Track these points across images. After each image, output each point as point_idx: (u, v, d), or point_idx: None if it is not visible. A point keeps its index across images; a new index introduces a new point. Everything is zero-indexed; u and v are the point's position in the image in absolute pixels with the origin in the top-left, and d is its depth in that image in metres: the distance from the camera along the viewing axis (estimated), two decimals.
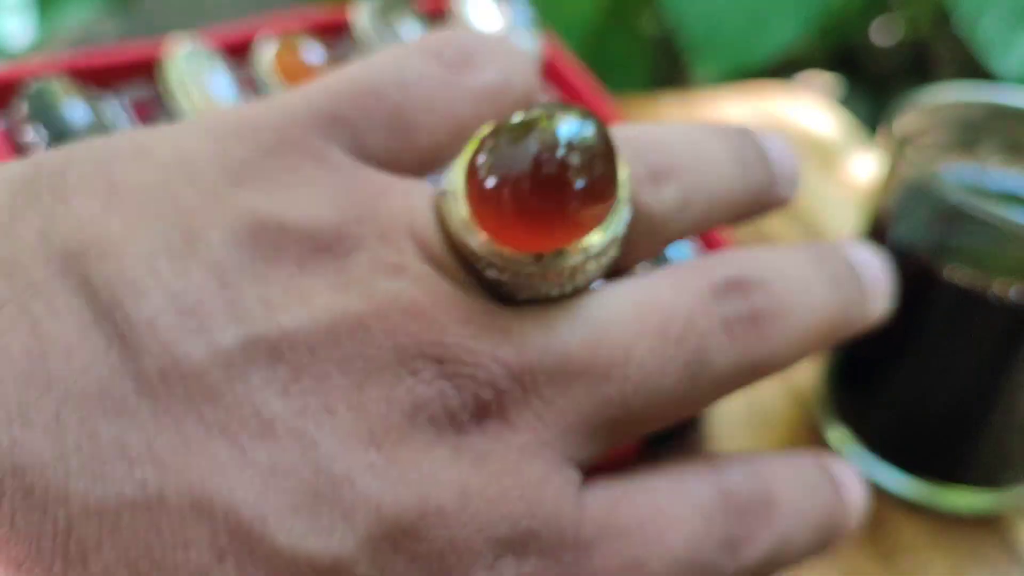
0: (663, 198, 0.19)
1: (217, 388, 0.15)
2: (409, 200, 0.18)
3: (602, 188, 0.17)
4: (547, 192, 0.17)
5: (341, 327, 0.16)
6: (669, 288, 0.19)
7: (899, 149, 0.31)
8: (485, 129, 0.18)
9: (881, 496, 0.33)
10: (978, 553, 0.32)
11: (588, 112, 0.17)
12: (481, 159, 0.17)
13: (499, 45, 0.20)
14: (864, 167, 0.50)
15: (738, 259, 0.20)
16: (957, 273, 0.29)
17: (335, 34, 0.35)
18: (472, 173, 0.17)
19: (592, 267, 0.18)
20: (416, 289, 0.17)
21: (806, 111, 0.55)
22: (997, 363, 0.30)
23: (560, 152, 0.17)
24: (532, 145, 0.17)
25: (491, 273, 0.18)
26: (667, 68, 0.79)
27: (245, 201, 0.17)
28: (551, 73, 0.38)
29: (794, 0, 0.62)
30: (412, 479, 0.16)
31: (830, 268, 0.21)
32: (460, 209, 0.17)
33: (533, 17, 0.36)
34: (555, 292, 0.18)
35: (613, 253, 0.19)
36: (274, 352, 0.15)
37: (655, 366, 0.18)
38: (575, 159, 0.17)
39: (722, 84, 0.63)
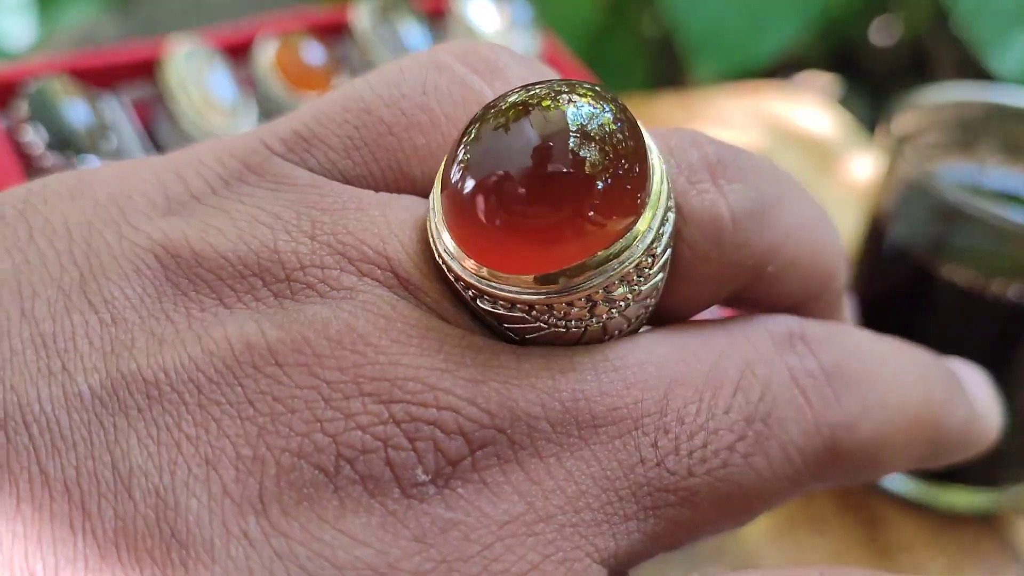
0: (728, 195, 0.15)
1: (68, 436, 0.13)
2: (385, 214, 0.15)
3: (623, 193, 0.13)
4: (545, 198, 0.13)
5: (243, 361, 0.13)
6: (722, 333, 0.15)
7: (898, 148, 0.31)
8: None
9: (880, 495, 0.33)
10: (976, 552, 0.32)
11: (603, 91, 0.14)
12: (459, 154, 0.14)
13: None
14: (863, 167, 0.51)
15: (805, 321, 0.16)
16: (955, 272, 0.30)
17: (335, 34, 0.35)
18: (446, 176, 0.14)
19: (620, 294, 0.14)
20: (358, 316, 0.14)
21: (805, 111, 0.55)
22: (995, 362, 0.30)
23: (570, 142, 0.13)
24: (528, 133, 0.13)
25: (484, 304, 0.14)
26: (666, 68, 0.79)
27: (161, 232, 0.15)
28: None
29: (793, 0, 0.62)
30: (299, 556, 0.12)
31: (922, 362, 0.17)
32: (438, 224, 0.14)
33: (533, 17, 0.37)
34: (572, 330, 0.14)
35: (654, 276, 0.14)
36: (149, 394, 0.13)
37: (703, 420, 0.14)
38: (590, 152, 0.13)
39: (721, 84, 0.63)
